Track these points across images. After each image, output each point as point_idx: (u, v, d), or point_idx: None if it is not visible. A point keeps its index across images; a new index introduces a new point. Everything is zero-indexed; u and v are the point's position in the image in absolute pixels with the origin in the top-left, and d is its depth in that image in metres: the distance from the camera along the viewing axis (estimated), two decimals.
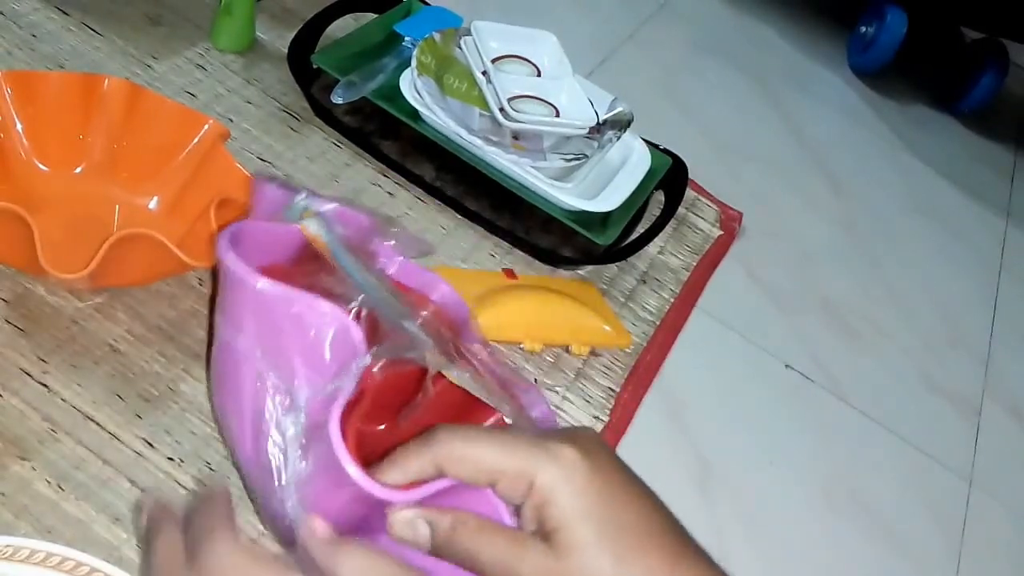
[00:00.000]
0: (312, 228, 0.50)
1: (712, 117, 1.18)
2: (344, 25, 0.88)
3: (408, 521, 0.41)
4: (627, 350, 0.75)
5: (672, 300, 0.82)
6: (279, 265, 0.48)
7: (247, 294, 0.45)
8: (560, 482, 0.39)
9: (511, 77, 0.83)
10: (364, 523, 0.43)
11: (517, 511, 0.42)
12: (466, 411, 0.52)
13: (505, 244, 0.78)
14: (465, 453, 0.41)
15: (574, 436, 0.42)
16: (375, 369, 0.43)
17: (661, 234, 0.83)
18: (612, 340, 0.73)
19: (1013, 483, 0.90)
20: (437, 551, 0.41)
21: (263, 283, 0.44)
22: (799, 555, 0.73)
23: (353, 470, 0.40)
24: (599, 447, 0.41)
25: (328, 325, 0.44)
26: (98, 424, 0.55)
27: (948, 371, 0.98)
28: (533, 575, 0.39)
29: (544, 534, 0.40)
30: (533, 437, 0.41)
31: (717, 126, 1.16)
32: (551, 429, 0.48)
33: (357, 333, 0.44)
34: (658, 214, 0.85)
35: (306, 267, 0.49)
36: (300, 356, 0.44)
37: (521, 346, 0.70)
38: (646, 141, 0.87)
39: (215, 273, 0.59)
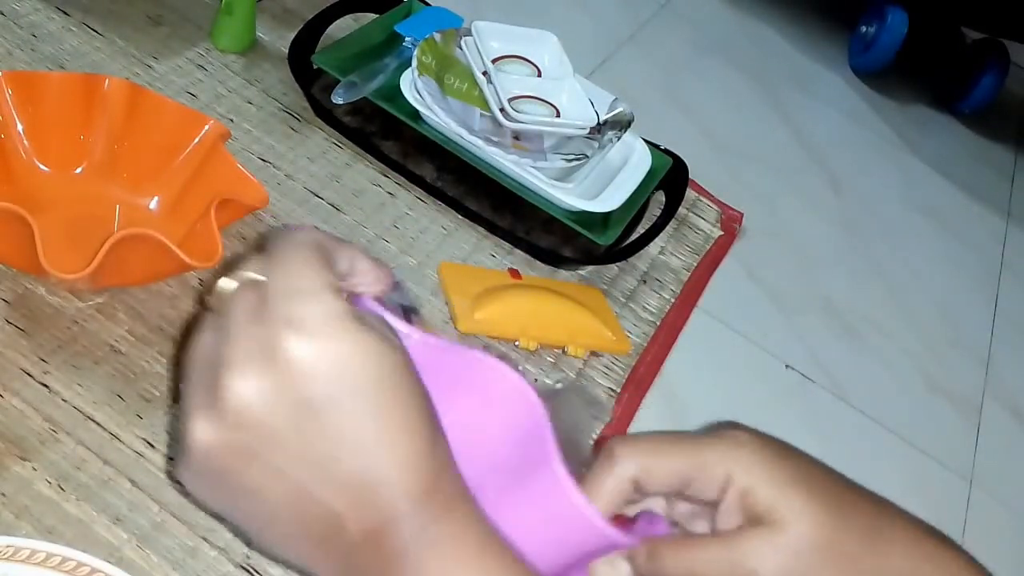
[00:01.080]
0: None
1: (713, 117, 1.18)
2: (344, 25, 0.88)
3: (608, 563, 0.41)
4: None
5: (673, 300, 0.82)
6: None
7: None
8: (756, 463, 0.40)
9: (512, 77, 0.83)
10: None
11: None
12: None
13: (506, 244, 0.78)
14: (657, 463, 0.40)
15: (728, 425, 0.42)
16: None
17: (662, 234, 0.83)
18: (611, 346, 0.73)
19: (1013, 483, 0.90)
20: None
21: (419, 336, 0.39)
22: None
23: (590, 509, 0.38)
24: (748, 428, 0.42)
25: (501, 385, 0.40)
26: (99, 424, 0.55)
27: (948, 371, 0.98)
28: (763, 561, 0.39)
29: (754, 519, 0.39)
30: (700, 434, 0.42)
31: (718, 126, 1.16)
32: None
33: (532, 395, 0.40)
34: (659, 214, 0.85)
35: None
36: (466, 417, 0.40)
37: (516, 343, 0.70)
38: (647, 141, 0.87)
39: None
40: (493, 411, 0.40)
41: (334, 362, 0.34)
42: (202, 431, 0.35)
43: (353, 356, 0.35)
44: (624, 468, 0.40)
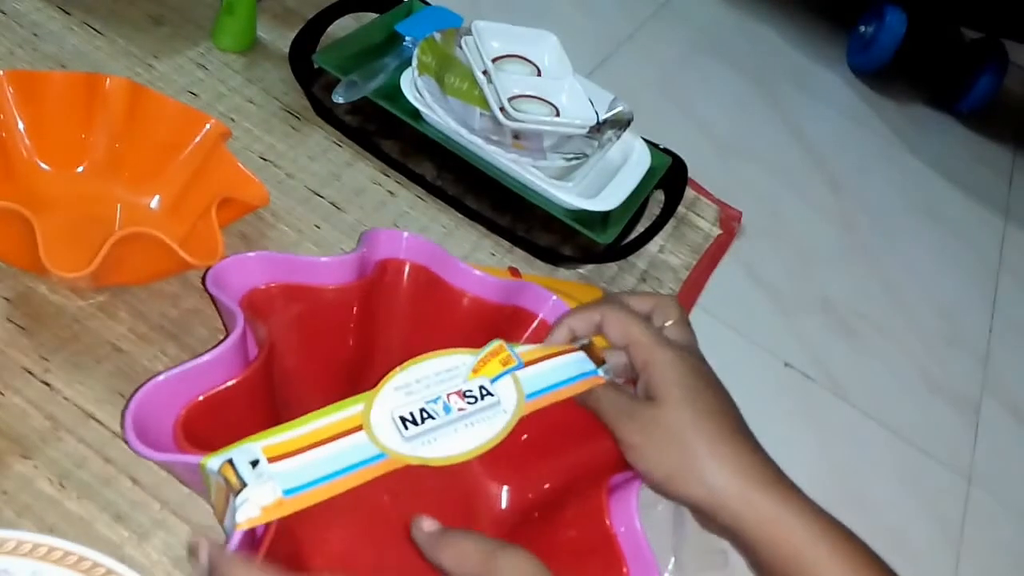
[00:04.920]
0: None
1: (712, 116, 1.18)
2: (345, 25, 0.88)
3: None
4: None
5: None
6: None
7: None
8: (667, 364, 0.53)
9: (512, 77, 0.83)
10: None
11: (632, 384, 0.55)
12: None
13: (506, 243, 0.78)
14: (623, 320, 0.54)
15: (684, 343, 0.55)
16: None
17: (661, 233, 0.83)
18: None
19: (1012, 481, 0.90)
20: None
21: None
22: None
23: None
24: (698, 355, 0.56)
25: None
26: (100, 422, 0.55)
27: (947, 370, 0.98)
28: (635, 414, 0.52)
29: (648, 397, 0.53)
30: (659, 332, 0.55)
31: (717, 125, 1.17)
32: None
33: None
34: (658, 213, 0.85)
35: None
36: None
37: None
38: (646, 140, 0.87)
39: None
40: None
41: None
42: None
43: None
44: (602, 312, 0.55)
